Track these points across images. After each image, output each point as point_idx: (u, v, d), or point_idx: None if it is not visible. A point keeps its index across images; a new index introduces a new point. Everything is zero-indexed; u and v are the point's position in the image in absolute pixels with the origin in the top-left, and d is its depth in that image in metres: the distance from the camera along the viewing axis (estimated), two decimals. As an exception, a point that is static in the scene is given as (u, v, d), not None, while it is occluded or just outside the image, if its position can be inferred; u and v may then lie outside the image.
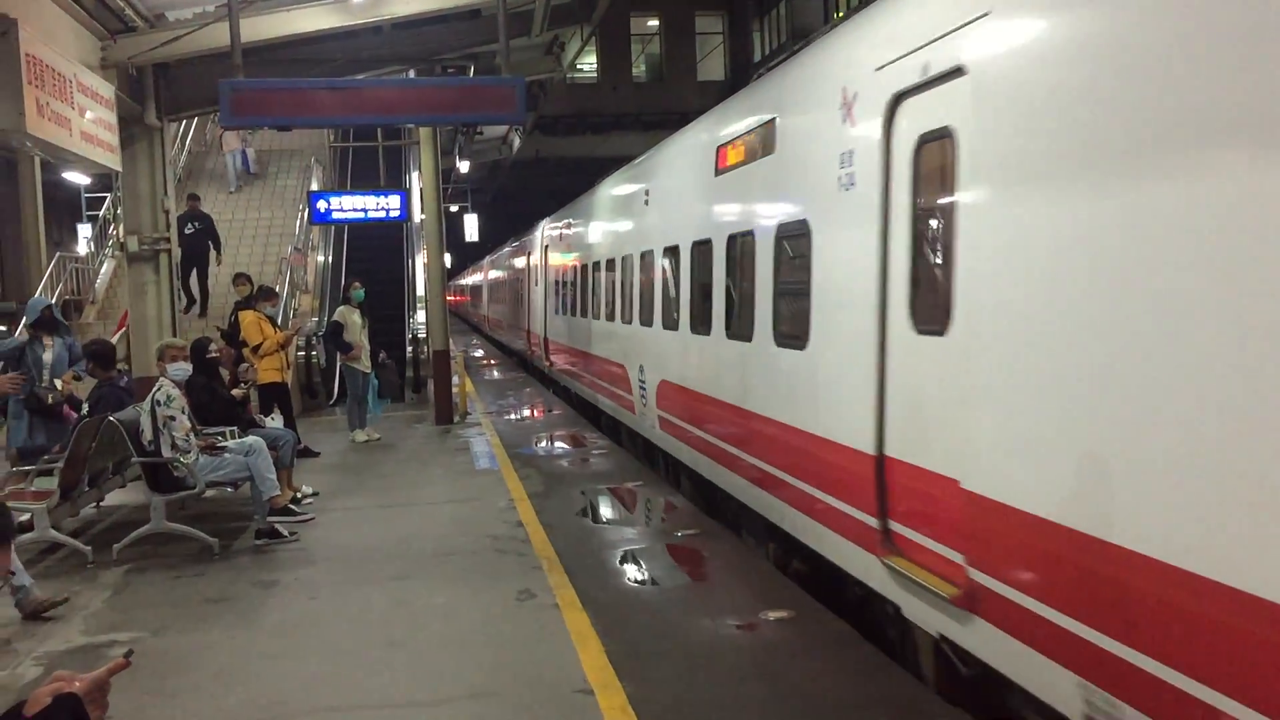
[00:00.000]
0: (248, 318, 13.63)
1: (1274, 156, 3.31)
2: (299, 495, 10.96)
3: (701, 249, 9.93)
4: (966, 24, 5.03)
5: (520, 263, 27.44)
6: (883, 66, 5.94)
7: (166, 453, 9.09)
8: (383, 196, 18.80)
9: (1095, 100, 4.15)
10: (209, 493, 9.70)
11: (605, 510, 10.89)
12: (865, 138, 6.19)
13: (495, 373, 28.41)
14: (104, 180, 19.23)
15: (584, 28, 15.80)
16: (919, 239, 5.67)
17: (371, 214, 18.69)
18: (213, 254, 18.83)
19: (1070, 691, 4.29)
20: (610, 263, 14.82)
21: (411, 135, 23.04)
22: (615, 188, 15.25)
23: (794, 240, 7.51)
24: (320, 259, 23.41)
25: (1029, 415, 4.57)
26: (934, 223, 5.57)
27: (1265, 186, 3.35)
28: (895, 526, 5.92)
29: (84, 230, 25.72)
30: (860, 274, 6.18)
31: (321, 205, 18.64)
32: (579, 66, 32.70)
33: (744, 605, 7.35)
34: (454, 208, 35.10)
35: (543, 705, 5.70)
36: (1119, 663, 3.98)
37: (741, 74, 39.12)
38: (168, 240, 14.31)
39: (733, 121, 9.27)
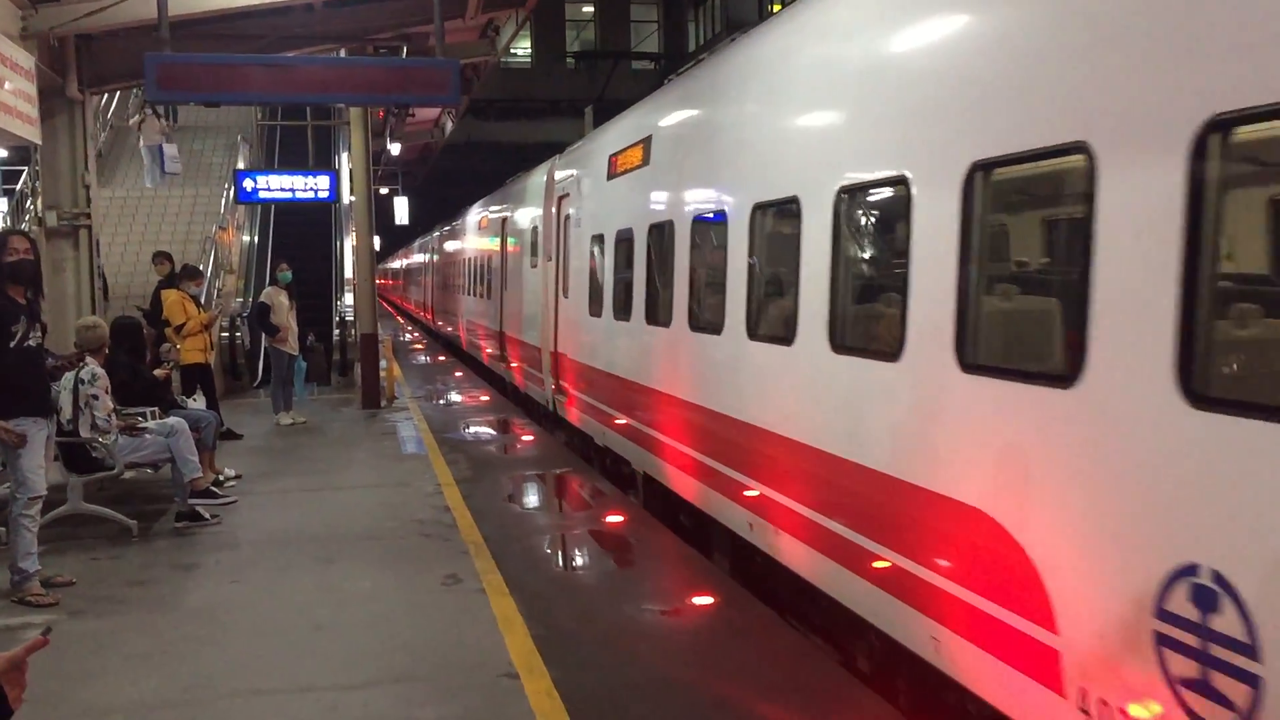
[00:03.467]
0: (171, 297, 13.37)
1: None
2: (221, 478, 10.81)
3: (489, 268, 20.37)
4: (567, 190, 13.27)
5: (421, 258, 39.66)
6: (565, 191, 13.42)
7: (85, 433, 8.89)
8: (311, 177, 18.54)
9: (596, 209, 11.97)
10: (128, 474, 9.52)
11: (533, 496, 10.90)
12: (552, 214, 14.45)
13: (423, 357, 28.20)
14: (22, 153, 18.66)
15: (519, 11, 15.71)
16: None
17: (299, 194, 18.41)
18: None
19: (596, 428, 11.65)
20: (458, 266, 26.25)
21: (342, 115, 22.69)
22: (445, 227, 30.37)
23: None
24: (246, 239, 23.01)
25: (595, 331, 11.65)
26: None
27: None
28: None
29: (-1, 204, 24.94)
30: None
31: (248, 184, 18.32)
32: (513, 51, 32.43)
33: (670, 591, 7.42)
34: (384, 190, 34.68)
35: (468, 689, 5.70)
36: (605, 414, 11.17)
37: (676, 63, 39.20)
38: (88, 216, 13.98)
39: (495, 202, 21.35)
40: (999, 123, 4.59)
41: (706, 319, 8.03)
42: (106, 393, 9.03)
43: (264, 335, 15.94)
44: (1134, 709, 3.69)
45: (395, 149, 27.80)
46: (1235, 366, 3.72)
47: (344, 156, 24.57)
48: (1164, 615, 3.57)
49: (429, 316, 36.08)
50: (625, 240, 10.24)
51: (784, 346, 6.56)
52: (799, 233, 6.36)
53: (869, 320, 5.82)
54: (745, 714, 5.40)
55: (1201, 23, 3.55)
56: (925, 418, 5.01)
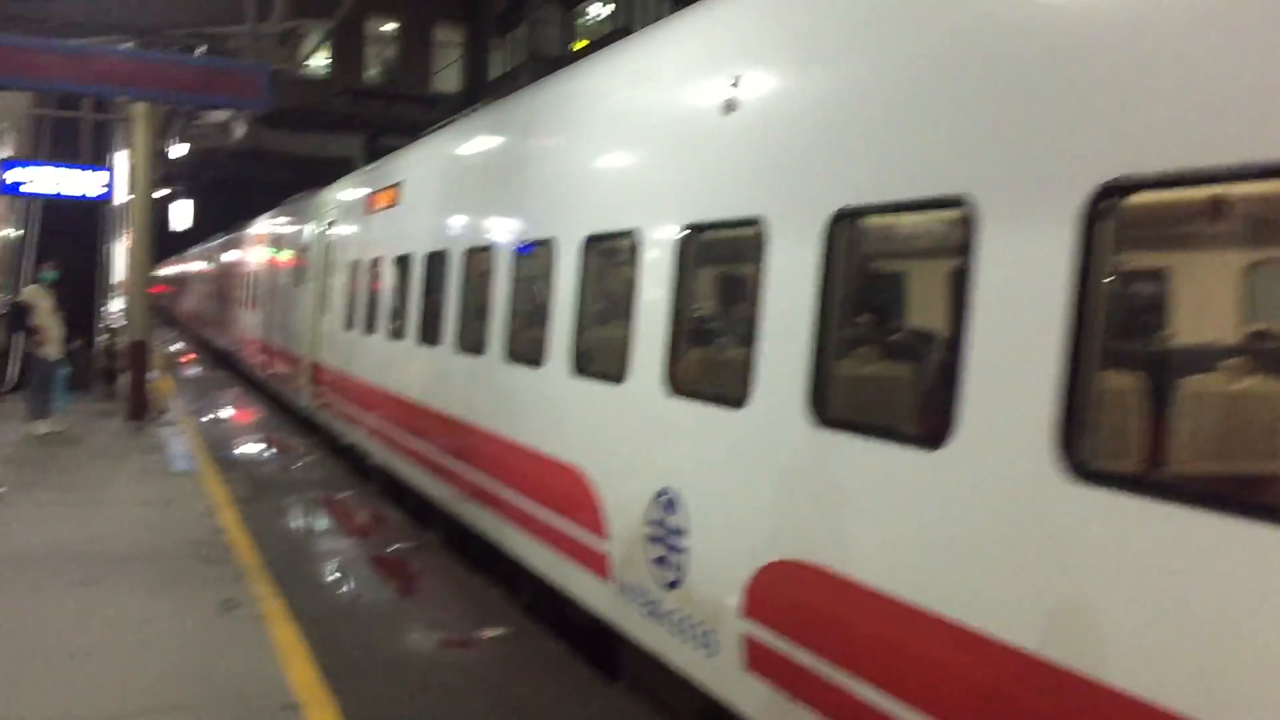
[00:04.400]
0: (-81, 289, 12.29)
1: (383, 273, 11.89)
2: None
3: (266, 281, 21.51)
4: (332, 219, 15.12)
5: (196, 267, 41.18)
6: (329, 220, 15.27)
7: None
8: (85, 172, 17.47)
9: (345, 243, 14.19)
10: None
11: (315, 519, 10.52)
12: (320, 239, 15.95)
13: (196, 369, 26.90)
14: None
15: (325, 22, 15.31)
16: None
17: (71, 191, 17.31)
18: None
19: (343, 427, 13.50)
20: (234, 279, 26.96)
21: (122, 110, 21.50)
22: (223, 239, 31.74)
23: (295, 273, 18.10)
24: (7, 232, 21.40)
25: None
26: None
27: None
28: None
29: None
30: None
31: (11, 176, 17.06)
32: (310, 63, 31.47)
33: (460, 621, 7.28)
34: (163, 192, 32.87)
35: (247, 721, 5.43)
36: (350, 414, 13.04)
37: (478, 90, 38.96)
38: None
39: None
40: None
41: (431, 335, 9.81)
42: None
43: (22, 337, 14.84)
44: (635, 581, 5.79)
45: (179, 150, 26.51)
46: (687, 372, 5.66)
47: (123, 154, 23.31)
48: (650, 521, 5.63)
49: (202, 326, 36.15)
50: (375, 266, 12.11)
51: (477, 357, 8.49)
52: (491, 272, 8.36)
53: (530, 341, 7.54)
54: (538, 748, 5.35)
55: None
56: (552, 406, 7.06)
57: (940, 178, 3.93)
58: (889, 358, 4.97)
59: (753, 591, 4.75)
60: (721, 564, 5.01)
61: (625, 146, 6.57)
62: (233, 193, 39.99)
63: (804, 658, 4.40)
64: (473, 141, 9.75)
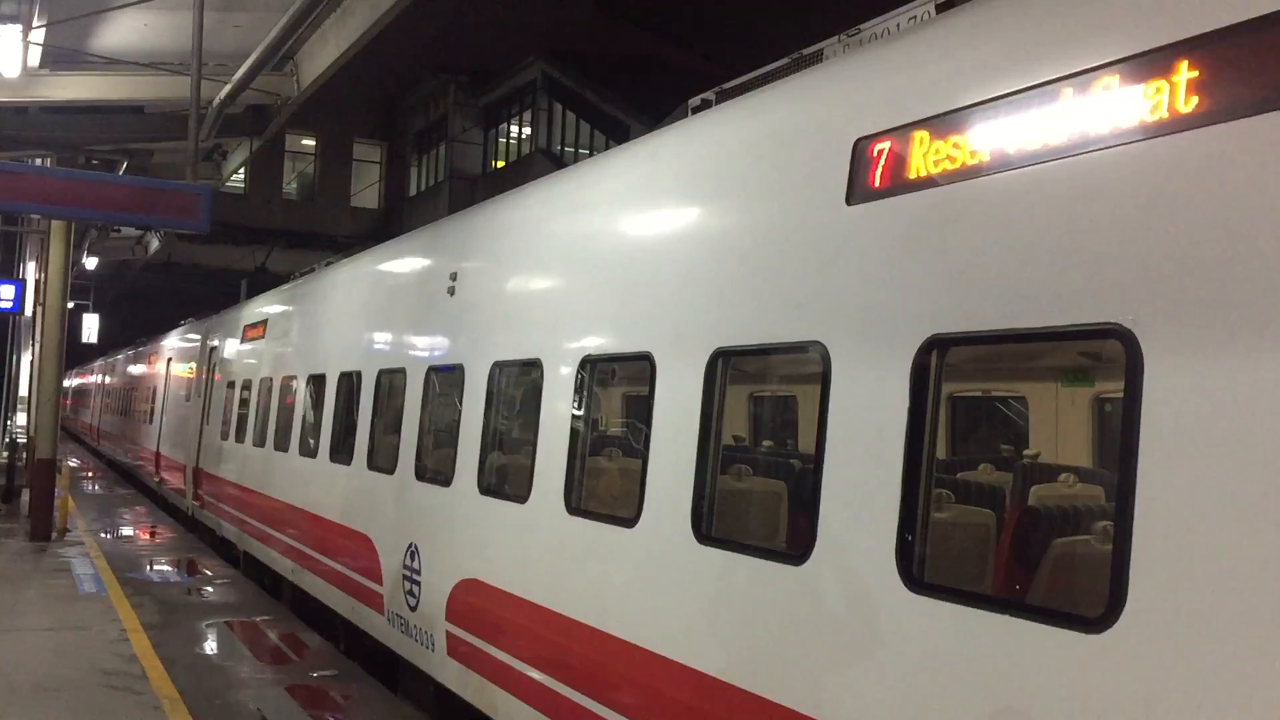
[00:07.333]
0: None
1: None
2: None
3: (163, 396, 23.18)
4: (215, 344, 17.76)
5: (94, 380, 42.53)
6: (213, 345, 17.81)
7: None
8: (-6, 284, 17.11)
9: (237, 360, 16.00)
10: None
11: (232, 645, 10.20)
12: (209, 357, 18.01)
13: (97, 486, 26.08)
14: None
15: (253, 140, 15.40)
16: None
17: (-22, 302, 16.93)
18: None
19: (215, 523, 16.13)
20: (132, 393, 28.60)
21: (32, 223, 21.22)
22: (121, 355, 32.24)
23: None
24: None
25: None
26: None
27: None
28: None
29: None
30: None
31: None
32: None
33: (389, 753, 7.10)
34: (72, 304, 32.22)
35: None
36: (223, 511, 15.40)
37: (395, 206, 39.22)
38: None
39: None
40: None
41: (283, 442, 12.06)
42: None
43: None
44: (394, 610, 8.19)
45: (91, 263, 26.13)
46: (429, 460, 8.05)
47: (30, 265, 22.94)
48: (404, 566, 8.02)
49: (96, 438, 37.97)
50: (247, 385, 14.55)
51: (312, 459, 10.94)
52: (321, 393, 10.84)
53: (345, 444, 9.93)
54: None
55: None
56: (345, 489, 9.85)
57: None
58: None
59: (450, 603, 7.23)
60: (436, 587, 7.45)
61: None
62: (142, 303, 39.39)
63: (475, 640, 6.77)
64: (306, 294, 12.75)
